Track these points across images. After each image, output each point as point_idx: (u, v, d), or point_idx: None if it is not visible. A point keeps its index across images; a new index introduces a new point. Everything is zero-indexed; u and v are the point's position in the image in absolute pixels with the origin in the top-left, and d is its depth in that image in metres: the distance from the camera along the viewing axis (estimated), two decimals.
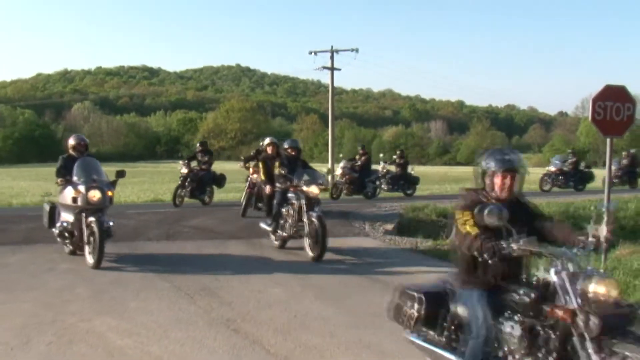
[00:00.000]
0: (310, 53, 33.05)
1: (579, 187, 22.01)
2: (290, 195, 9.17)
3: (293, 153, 9.78)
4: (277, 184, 9.45)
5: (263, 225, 9.77)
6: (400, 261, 8.92)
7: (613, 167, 24.07)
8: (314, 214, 8.68)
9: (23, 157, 77.30)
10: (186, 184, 14.52)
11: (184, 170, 14.80)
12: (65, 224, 8.26)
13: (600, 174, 23.65)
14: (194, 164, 15.09)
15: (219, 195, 18.73)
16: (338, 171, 18.64)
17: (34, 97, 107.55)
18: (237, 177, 13.11)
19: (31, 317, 5.59)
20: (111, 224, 7.98)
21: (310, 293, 6.84)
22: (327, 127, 35.92)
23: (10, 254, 8.74)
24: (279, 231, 9.41)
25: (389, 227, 12.05)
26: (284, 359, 4.62)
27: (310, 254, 8.69)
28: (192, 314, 5.73)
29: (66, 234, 8.29)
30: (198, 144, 16.35)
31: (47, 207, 8.91)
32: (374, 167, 19.30)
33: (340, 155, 19.85)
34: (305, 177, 9.05)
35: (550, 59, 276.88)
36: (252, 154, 13.74)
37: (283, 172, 9.25)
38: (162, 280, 7.22)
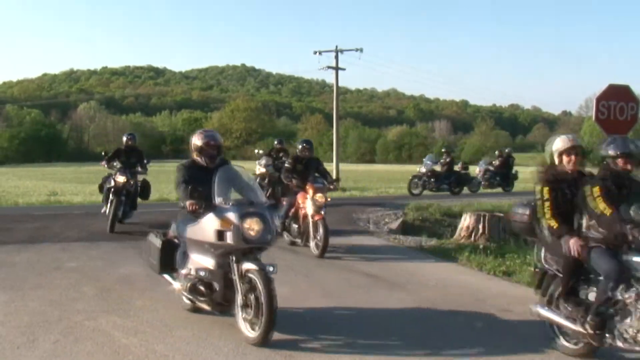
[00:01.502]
0: (315, 53, 33.12)
1: (455, 190, 19.93)
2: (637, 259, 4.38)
3: (628, 167, 4.71)
4: (591, 233, 4.67)
5: (557, 319, 4.83)
6: (405, 260, 8.94)
7: (481, 168, 22.33)
8: None
9: (29, 157, 77.65)
10: (122, 198, 10.71)
11: (121, 179, 10.70)
12: (202, 273, 5.26)
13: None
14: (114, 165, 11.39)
15: None
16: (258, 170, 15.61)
17: (40, 97, 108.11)
18: None
19: (37, 315, 5.63)
20: (272, 269, 5.01)
21: (315, 291, 6.86)
22: (332, 126, 35.93)
23: (16, 253, 8.77)
24: (621, 331, 4.41)
25: (394, 226, 12.09)
26: (289, 357, 4.64)
27: None
28: (198, 313, 5.75)
29: (201, 288, 5.30)
30: (126, 137, 11.95)
31: (157, 243, 5.86)
32: None
33: (260, 151, 17.46)
34: None
35: (554, 58, 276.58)
36: (288, 165, 9.96)
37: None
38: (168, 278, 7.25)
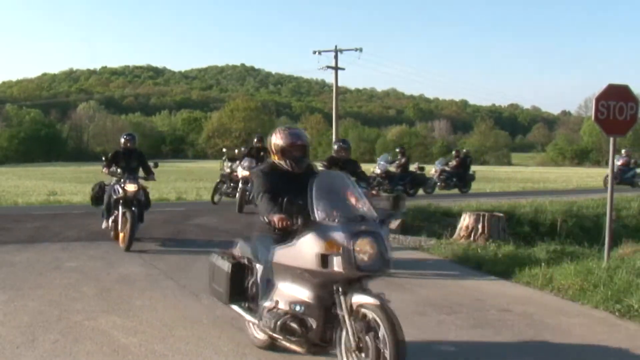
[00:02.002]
0: (315, 53, 33.21)
1: (410, 192, 18.91)
2: None
3: None
4: None
5: None
6: (404, 260, 8.95)
7: (437, 169, 21.31)
8: None
9: (29, 157, 77.81)
10: (134, 209, 9.27)
11: (132, 187, 9.29)
12: (297, 308, 4.14)
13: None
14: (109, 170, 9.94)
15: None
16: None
17: (40, 96, 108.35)
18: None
19: (37, 315, 5.63)
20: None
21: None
22: (331, 126, 35.98)
23: (16, 253, 8.77)
24: None
25: (393, 226, 12.07)
26: (289, 358, 4.64)
27: None
28: (197, 312, 5.76)
29: (294, 326, 4.11)
30: (124, 138, 10.36)
31: (225, 267, 4.75)
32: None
33: (225, 150, 17.71)
34: None
35: (553, 58, 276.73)
36: (322, 167, 8.67)
37: None
38: (167, 278, 7.26)
